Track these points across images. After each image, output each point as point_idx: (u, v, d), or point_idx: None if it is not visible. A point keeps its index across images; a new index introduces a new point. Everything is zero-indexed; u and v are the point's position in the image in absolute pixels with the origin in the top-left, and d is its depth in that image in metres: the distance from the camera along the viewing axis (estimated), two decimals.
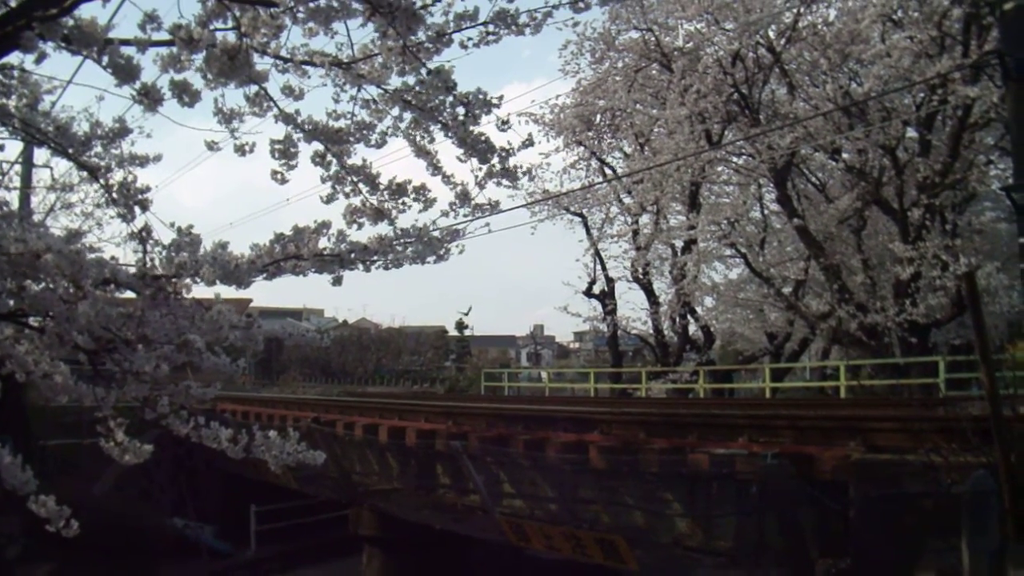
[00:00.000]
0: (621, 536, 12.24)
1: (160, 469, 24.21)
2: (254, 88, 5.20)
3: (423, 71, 4.87)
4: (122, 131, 6.50)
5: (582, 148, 34.89)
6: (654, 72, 30.98)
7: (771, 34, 26.71)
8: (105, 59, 4.54)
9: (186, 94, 4.80)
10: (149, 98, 4.71)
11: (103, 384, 5.12)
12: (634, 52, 31.09)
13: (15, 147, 19.52)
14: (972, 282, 8.30)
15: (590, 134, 34.34)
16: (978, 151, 24.82)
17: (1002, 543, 7.82)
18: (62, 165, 24.80)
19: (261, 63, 5.03)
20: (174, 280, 4.66)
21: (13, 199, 22.75)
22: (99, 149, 6.46)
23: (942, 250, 22.93)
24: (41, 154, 22.53)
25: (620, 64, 32.00)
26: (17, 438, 14.40)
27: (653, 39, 29.90)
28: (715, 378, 32.81)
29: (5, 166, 21.16)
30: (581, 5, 4.74)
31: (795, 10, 25.90)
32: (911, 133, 25.04)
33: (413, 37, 4.66)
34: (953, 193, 23.75)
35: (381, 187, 5.46)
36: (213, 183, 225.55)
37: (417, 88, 5.01)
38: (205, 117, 5.43)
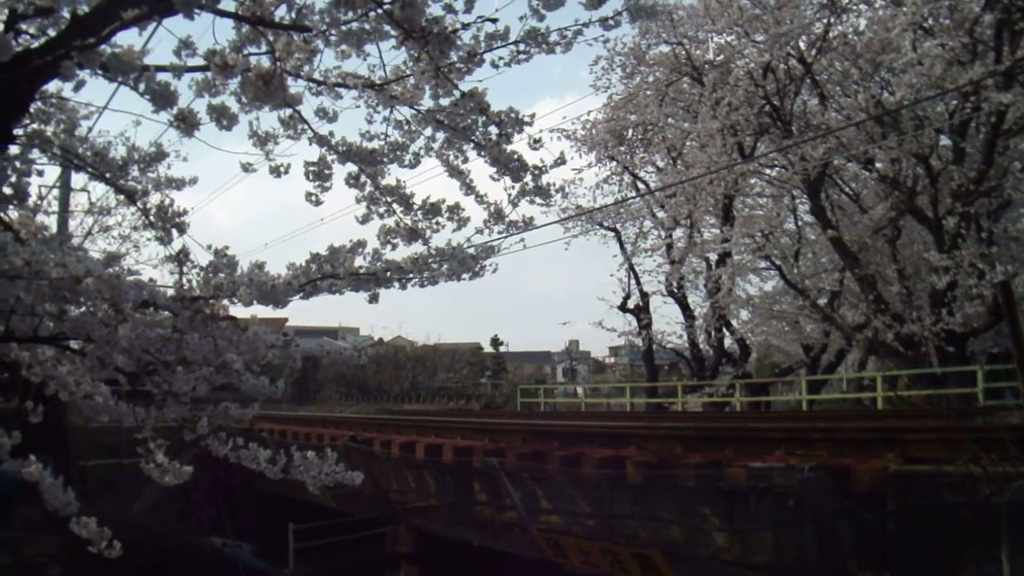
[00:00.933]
0: (659, 551, 12.22)
1: (198, 488, 24.32)
2: (288, 111, 5.27)
3: (456, 93, 4.92)
4: (159, 155, 6.59)
5: (614, 163, 34.96)
6: (685, 86, 31.01)
7: (802, 45, 26.67)
8: (142, 86, 4.61)
9: (224, 118, 4.86)
10: (186, 123, 4.78)
11: (143, 405, 5.19)
12: (665, 66, 31.13)
13: (53, 172, 19.78)
14: (1008, 290, 8.27)
15: (622, 149, 34.40)
16: (1012, 158, 24.62)
17: None
18: (99, 189, 25.15)
19: (295, 86, 5.09)
20: (212, 301, 4.72)
21: (51, 223, 23.05)
22: (136, 173, 6.55)
23: (978, 258, 22.73)
24: (79, 178, 22.84)
25: (651, 78, 32.05)
26: (58, 459, 14.55)
27: (684, 53, 29.94)
28: (751, 391, 32.74)
29: (43, 191, 21.48)
30: (611, 23, 4.76)
31: (825, 20, 25.85)
32: (944, 141, 24.89)
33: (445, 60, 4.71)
34: (988, 200, 23.55)
35: (415, 207, 5.50)
36: (248, 204, 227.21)
37: (450, 109, 5.06)
38: (239, 139, 5.51)
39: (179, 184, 7.14)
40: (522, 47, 4.79)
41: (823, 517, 10.15)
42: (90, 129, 6.97)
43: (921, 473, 9.51)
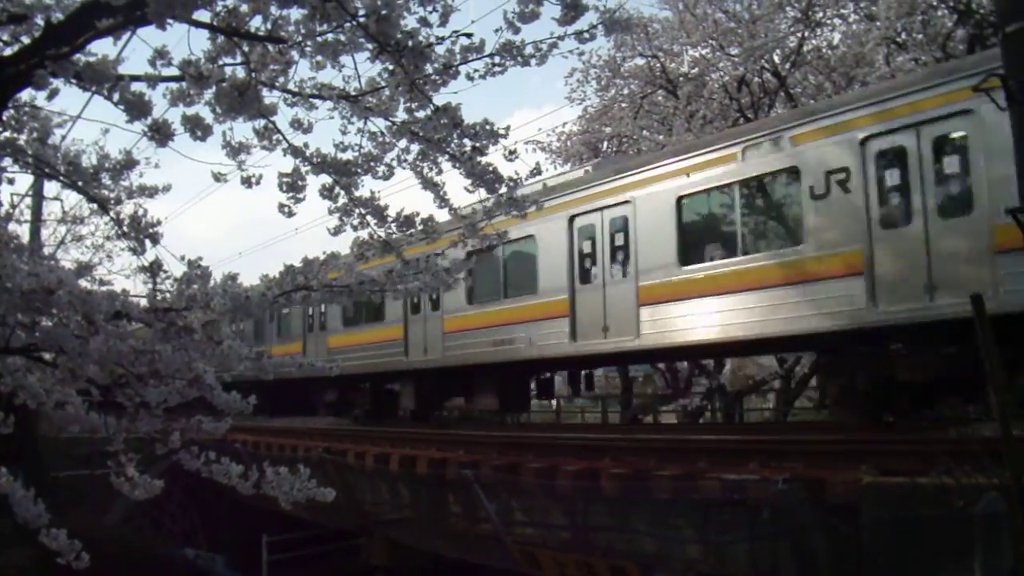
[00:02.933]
0: (633, 563, 12.21)
1: (171, 499, 24.19)
2: (262, 121, 5.25)
3: (430, 108, 4.91)
4: (129, 163, 6.54)
5: None
6: (660, 98, 31.06)
7: (776, 58, 26.85)
8: (116, 96, 4.59)
9: (198, 128, 4.85)
10: (160, 134, 4.76)
11: (114, 416, 5.15)
12: (640, 79, 31.19)
13: (25, 180, 19.61)
14: (980, 304, 8.29)
15: (597, 160, 34.44)
16: None
17: (1015, 565, 7.79)
18: (72, 198, 24.99)
19: (270, 97, 5.08)
20: (184, 313, 4.69)
21: (23, 232, 22.89)
22: (107, 181, 6.50)
23: None
24: (51, 187, 22.67)
25: (626, 91, 32.09)
26: (28, 470, 14.43)
27: (658, 66, 30.02)
28: (725, 403, 32.76)
29: (15, 199, 21.28)
30: (586, 36, 4.77)
31: (799, 34, 26.05)
32: None
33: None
34: None
35: (389, 219, 5.50)
36: (223, 213, 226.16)
37: (424, 121, 5.05)
38: (213, 149, 5.48)
39: (152, 192, 7.10)
40: (497, 60, 4.80)
41: (797, 529, 10.17)
42: (63, 137, 6.89)
43: (895, 485, 9.54)
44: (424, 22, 4.63)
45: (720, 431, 20.42)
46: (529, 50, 4.80)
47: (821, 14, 26.39)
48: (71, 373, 4.72)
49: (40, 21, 4.91)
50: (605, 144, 33.83)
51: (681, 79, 29.14)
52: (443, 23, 4.67)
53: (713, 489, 11.10)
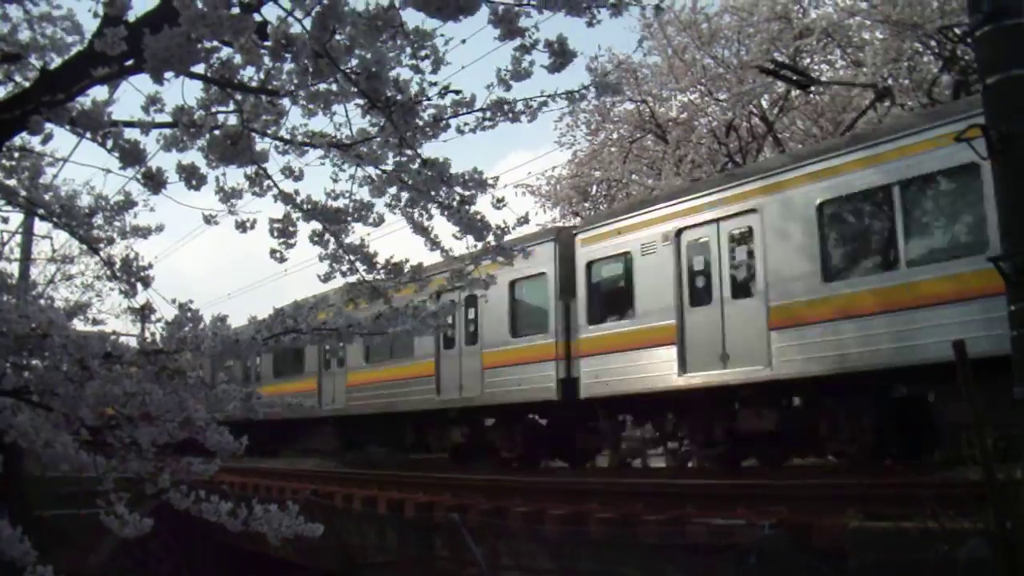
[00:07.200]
0: None
1: (157, 541, 23.97)
2: (254, 167, 5.30)
3: (418, 162, 4.97)
4: (127, 204, 6.58)
5: (579, 219, 35.06)
6: (649, 143, 31.23)
7: (764, 104, 27.03)
8: (110, 142, 4.64)
9: (193, 178, 4.89)
10: (153, 182, 4.80)
11: (104, 455, 5.15)
12: (629, 123, 31.35)
13: (15, 218, 19.63)
14: (962, 349, 8.38)
15: (586, 205, 34.55)
16: None
17: None
18: (62, 236, 25.01)
19: (261, 143, 5.13)
20: (175, 356, 4.72)
21: (13, 270, 22.88)
22: (101, 222, 6.53)
23: None
24: (42, 225, 22.69)
25: (615, 135, 32.26)
26: (14, 509, 14.34)
27: (648, 110, 30.19)
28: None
29: (5, 236, 21.31)
30: (576, 96, 4.84)
31: None
32: None
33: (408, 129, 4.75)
34: None
35: (378, 266, 5.55)
36: (212, 251, 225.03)
37: (414, 174, 5.09)
38: (205, 192, 5.51)
39: (145, 233, 7.14)
40: (488, 115, 4.86)
41: (784, 574, 10.17)
42: (55, 176, 6.95)
43: (881, 529, 9.57)
44: (416, 69, 4.68)
45: (708, 475, 20.44)
46: (520, 107, 4.87)
47: (808, 60, 26.65)
48: (64, 418, 4.74)
49: (35, 60, 4.99)
50: (594, 188, 33.97)
51: (670, 124, 29.33)
52: (435, 70, 4.73)
53: (700, 534, 11.12)
